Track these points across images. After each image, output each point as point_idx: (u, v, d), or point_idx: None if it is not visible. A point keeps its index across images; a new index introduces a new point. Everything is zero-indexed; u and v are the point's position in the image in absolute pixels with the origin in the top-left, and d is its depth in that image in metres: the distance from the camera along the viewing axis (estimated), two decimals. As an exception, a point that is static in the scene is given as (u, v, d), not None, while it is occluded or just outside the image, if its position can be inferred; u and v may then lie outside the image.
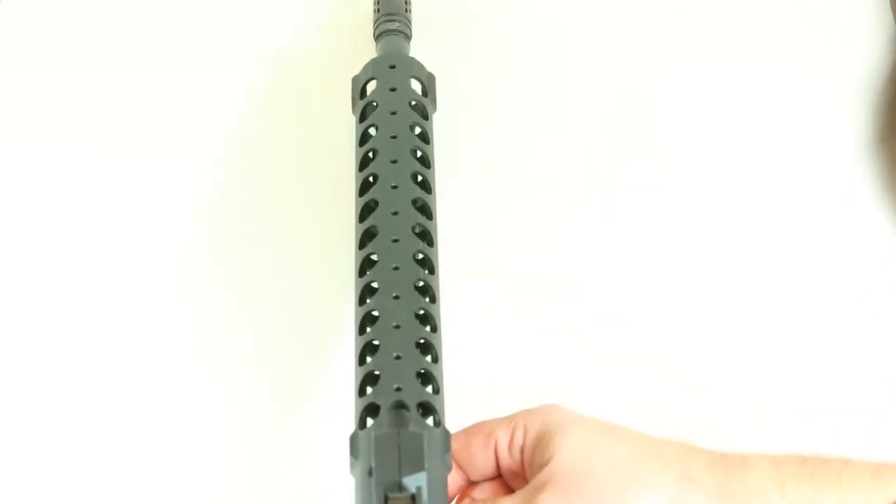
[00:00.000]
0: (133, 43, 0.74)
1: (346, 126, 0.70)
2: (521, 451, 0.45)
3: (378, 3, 0.70)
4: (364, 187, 0.56)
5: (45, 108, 0.71)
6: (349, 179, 0.61)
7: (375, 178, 0.55)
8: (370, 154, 0.57)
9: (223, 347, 0.60)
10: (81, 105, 0.71)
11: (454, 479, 0.47)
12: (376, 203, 0.54)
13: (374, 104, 0.59)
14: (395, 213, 0.53)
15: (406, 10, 0.70)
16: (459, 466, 0.47)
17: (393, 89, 0.60)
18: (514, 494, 0.44)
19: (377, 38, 0.68)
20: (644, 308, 0.62)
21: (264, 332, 0.61)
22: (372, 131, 0.58)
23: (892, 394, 0.59)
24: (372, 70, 0.62)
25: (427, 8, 0.73)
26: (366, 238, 0.53)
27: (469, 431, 0.47)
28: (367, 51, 0.69)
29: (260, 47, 0.74)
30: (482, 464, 0.47)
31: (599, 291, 0.63)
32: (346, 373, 0.53)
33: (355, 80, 0.63)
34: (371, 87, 0.61)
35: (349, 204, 0.60)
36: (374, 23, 0.69)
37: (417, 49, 0.68)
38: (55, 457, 0.57)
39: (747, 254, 0.64)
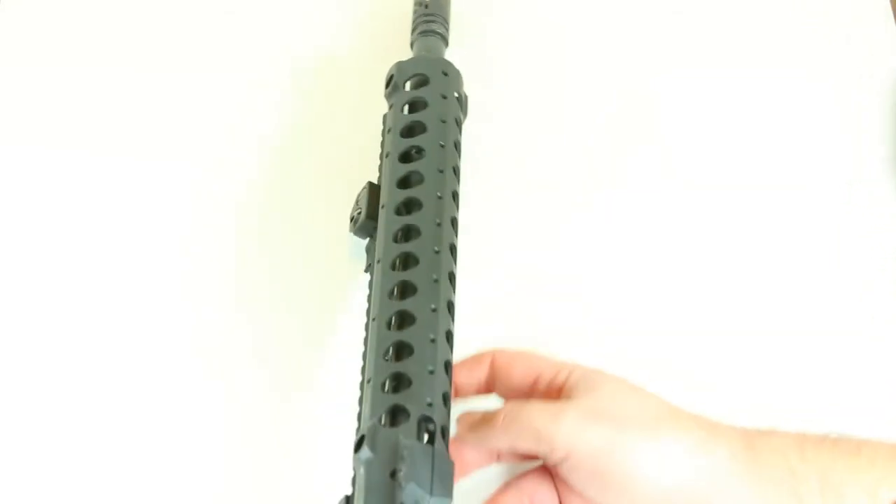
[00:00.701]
0: (140, 42, 0.74)
1: (346, 126, 0.70)
2: (560, 390, 0.48)
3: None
4: (405, 180, 0.55)
5: (46, 108, 0.71)
6: (350, 179, 0.61)
7: (421, 177, 0.55)
8: (415, 151, 0.56)
9: (223, 347, 0.60)
10: (83, 105, 0.71)
11: (479, 379, 0.50)
12: (420, 205, 0.53)
13: (425, 103, 0.59)
14: (439, 225, 0.52)
15: (448, 15, 0.69)
16: (496, 377, 0.50)
17: (444, 97, 0.59)
18: (546, 400, 0.46)
19: (419, 33, 0.67)
20: (644, 308, 0.62)
21: (264, 332, 0.61)
22: (418, 129, 0.57)
23: (892, 394, 0.59)
24: (424, 67, 0.61)
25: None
26: (404, 233, 0.52)
27: (520, 354, 0.50)
28: (371, 52, 0.69)
29: (262, 47, 0.74)
30: (518, 384, 0.49)
31: (599, 291, 0.63)
32: (347, 373, 0.53)
33: (400, 67, 0.61)
34: (413, 82, 0.61)
35: (350, 204, 0.60)
36: (415, 17, 0.68)
37: (417, 49, 0.68)
38: (55, 456, 0.57)
39: (747, 254, 0.64)
